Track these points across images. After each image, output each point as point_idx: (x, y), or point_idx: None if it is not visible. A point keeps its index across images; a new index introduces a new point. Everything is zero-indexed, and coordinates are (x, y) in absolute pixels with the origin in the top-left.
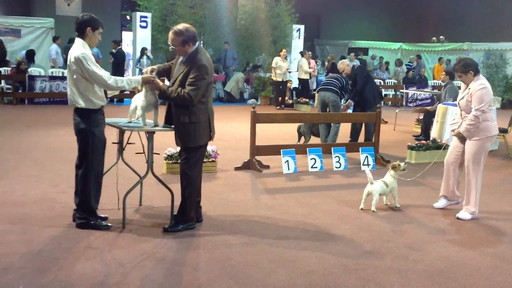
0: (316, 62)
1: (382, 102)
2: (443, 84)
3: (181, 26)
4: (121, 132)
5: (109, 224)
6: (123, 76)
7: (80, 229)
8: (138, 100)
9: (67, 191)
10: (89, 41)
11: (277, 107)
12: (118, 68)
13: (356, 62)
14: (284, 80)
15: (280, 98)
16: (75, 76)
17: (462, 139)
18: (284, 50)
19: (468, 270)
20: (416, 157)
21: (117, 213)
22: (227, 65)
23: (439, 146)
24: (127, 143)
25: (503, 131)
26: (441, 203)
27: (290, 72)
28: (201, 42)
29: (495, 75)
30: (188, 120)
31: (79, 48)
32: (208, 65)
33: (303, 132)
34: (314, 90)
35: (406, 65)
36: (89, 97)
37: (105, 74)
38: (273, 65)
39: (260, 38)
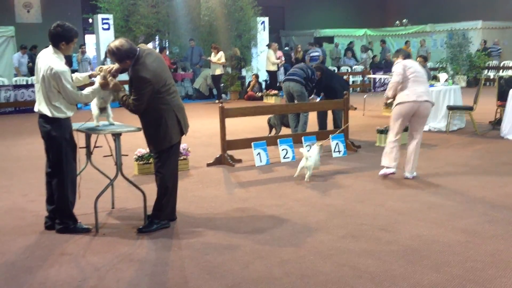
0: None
1: (351, 89)
2: None
3: (114, 44)
4: (88, 136)
5: (89, 227)
6: None
7: (60, 233)
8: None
9: (37, 199)
10: (63, 52)
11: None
12: None
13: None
14: (217, 74)
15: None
16: (49, 87)
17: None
18: (212, 44)
19: (440, 246)
20: (385, 140)
21: (90, 218)
22: (194, 62)
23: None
24: (95, 146)
25: (469, 108)
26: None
27: (223, 64)
28: (167, 41)
29: (459, 55)
30: (154, 125)
31: (56, 61)
32: (148, 73)
33: (274, 123)
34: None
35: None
36: (61, 108)
37: (75, 90)
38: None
39: (225, 33)
